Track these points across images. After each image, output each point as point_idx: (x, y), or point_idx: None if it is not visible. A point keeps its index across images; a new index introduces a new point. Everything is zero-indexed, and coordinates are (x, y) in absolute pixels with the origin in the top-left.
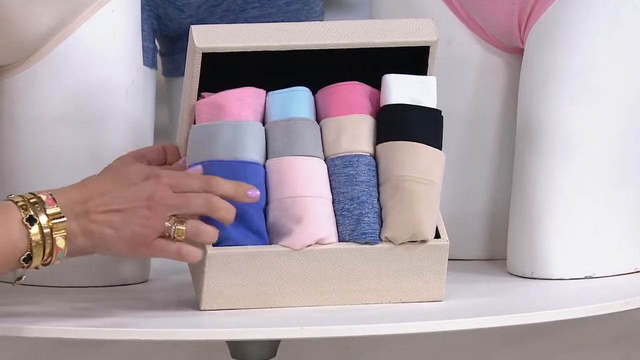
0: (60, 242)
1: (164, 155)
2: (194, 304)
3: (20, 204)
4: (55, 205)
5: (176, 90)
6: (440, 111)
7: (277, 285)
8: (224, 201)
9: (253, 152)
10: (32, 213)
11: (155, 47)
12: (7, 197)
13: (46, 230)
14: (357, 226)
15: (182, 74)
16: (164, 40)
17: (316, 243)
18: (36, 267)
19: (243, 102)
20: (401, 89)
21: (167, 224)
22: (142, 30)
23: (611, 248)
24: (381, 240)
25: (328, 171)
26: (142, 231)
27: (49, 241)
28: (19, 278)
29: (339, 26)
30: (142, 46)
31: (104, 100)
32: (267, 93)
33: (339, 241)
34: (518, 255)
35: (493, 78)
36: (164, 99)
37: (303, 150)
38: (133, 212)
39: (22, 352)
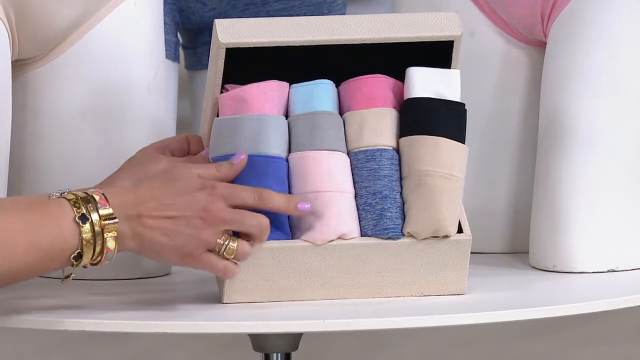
0: (111, 243)
1: (186, 145)
2: (216, 297)
3: (73, 201)
4: (107, 206)
5: (199, 83)
6: (464, 104)
7: (299, 279)
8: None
9: (276, 146)
10: (84, 211)
11: (178, 40)
12: (61, 194)
13: (97, 230)
14: (380, 221)
15: (205, 67)
16: (187, 33)
17: (338, 238)
18: (84, 266)
19: (266, 95)
20: (425, 82)
21: (219, 240)
22: (165, 23)
23: (634, 241)
24: (403, 235)
25: (351, 165)
26: (193, 242)
27: (99, 241)
28: (68, 276)
29: (363, 20)
30: (165, 39)
31: (126, 93)
32: (290, 86)
33: (361, 235)
34: (540, 249)
35: (516, 71)
36: (186, 92)
37: (326, 145)
38: (186, 221)
39: (43, 345)
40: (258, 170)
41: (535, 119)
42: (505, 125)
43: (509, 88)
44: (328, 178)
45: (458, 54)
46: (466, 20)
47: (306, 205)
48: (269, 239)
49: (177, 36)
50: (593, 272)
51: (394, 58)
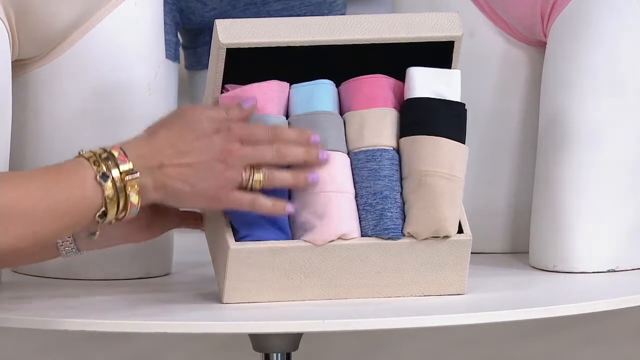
0: (134, 198)
1: None
2: (216, 297)
3: (92, 160)
4: (127, 161)
5: (199, 83)
6: (464, 104)
7: (299, 279)
8: (291, 148)
9: None
10: (104, 170)
11: (178, 40)
12: (79, 153)
13: (119, 185)
14: (380, 221)
15: (205, 67)
16: (187, 33)
17: (339, 238)
18: (110, 222)
19: (267, 95)
20: (425, 82)
21: (243, 174)
22: (165, 23)
23: (634, 241)
24: (404, 235)
25: (351, 165)
26: (218, 184)
27: (122, 197)
28: (93, 233)
29: (364, 20)
30: (165, 39)
31: (127, 94)
32: (290, 86)
33: (362, 236)
34: (541, 249)
35: (516, 71)
36: (186, 92)
37: (326, 145)
38: (208, 166)
39: (44, 345)
40: None
41: (535, 119)
42: (505, 125)
43: (509, 88)
44: (328, 178)
45: (458, 54)
46: (466, 20)
47: (317, 137)
48: (269, 239)
49: (177, 36)
50: (593, 272)
51: (394, 58)
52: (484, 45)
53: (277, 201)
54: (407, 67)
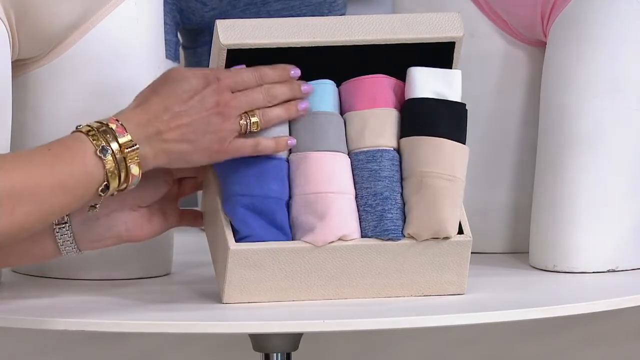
0: (135, 170)
1: None
2: (217, 297)
3: (90, 134)
4: (125, 133)
5: None
6: (464, 105)
7: (299, 279)
8: (277, 87)
9: None
10: (104, 143)
11: (178, 40)
12: (76, 127)
13: (119, 157)
14: (380, 222)
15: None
16: (187, 33)
17: (339, 240)
18: (112, 194)
19: None
20: (426, 82)
21: (240, 122)
22: (165, 23)
23: (634, 241)
24: (404, 236)
25: (351, 165)
26: (219, 137)
27: (123, 169)
28: (94, 206)
29: (364, 21)
30: (165, 39)
31: (127, 94)
32: None
33: (362, 236)
34: (540, 249)
35: (516, 71)
36: None
37: (327, 145)
38: (206, 121)
39: (44, 345)
40: (259, 171)
41: (535, 119)
42: (505, 125)
43: (509, 88)
44: (329, 179)
45: (459, 55)
46: (466, 20)
47: (297, 71)
48: (269, 239)
49: (177, 36)
50: (593, 272)
51: (395, 58)
52: (484, 45)
53: (278, 138)
54: (408, 67)
